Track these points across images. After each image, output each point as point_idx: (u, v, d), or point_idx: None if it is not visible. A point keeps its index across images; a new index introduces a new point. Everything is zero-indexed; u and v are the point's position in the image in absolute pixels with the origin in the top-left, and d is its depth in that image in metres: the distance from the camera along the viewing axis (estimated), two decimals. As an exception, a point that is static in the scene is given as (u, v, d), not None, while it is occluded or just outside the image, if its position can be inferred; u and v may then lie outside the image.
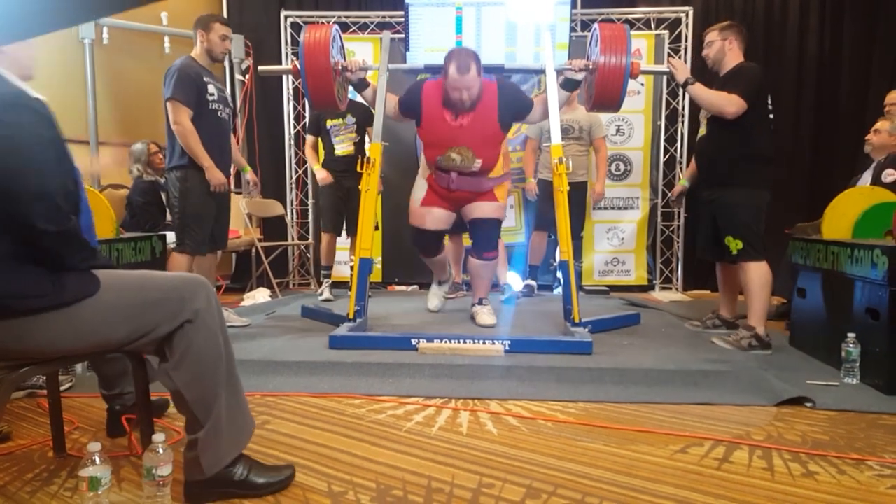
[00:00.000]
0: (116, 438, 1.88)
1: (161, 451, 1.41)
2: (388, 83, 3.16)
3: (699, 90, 2.97)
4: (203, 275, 3.31)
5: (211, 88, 3.16)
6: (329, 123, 4.18)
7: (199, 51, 3.22)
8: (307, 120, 4.37)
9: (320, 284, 4.48)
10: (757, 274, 2.87)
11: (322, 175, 4.21)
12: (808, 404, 2.19)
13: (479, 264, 3.29)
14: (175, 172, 3.15)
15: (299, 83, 5.12)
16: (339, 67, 3.10)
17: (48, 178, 1.32)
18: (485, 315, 3.24)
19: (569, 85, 3.13)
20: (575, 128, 4.25)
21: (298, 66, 3.04)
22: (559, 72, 3.14)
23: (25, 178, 1.28)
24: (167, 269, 3.21)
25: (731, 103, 2.86)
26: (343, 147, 4.19)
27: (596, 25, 3.05)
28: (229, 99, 3.35)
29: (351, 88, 3.31)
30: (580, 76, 3.09)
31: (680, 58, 4.89)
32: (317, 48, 2.99)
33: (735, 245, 2.93)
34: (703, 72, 4.91)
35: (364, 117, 4.13)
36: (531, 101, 3.17)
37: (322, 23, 4.87)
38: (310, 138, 4.33)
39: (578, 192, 4.21)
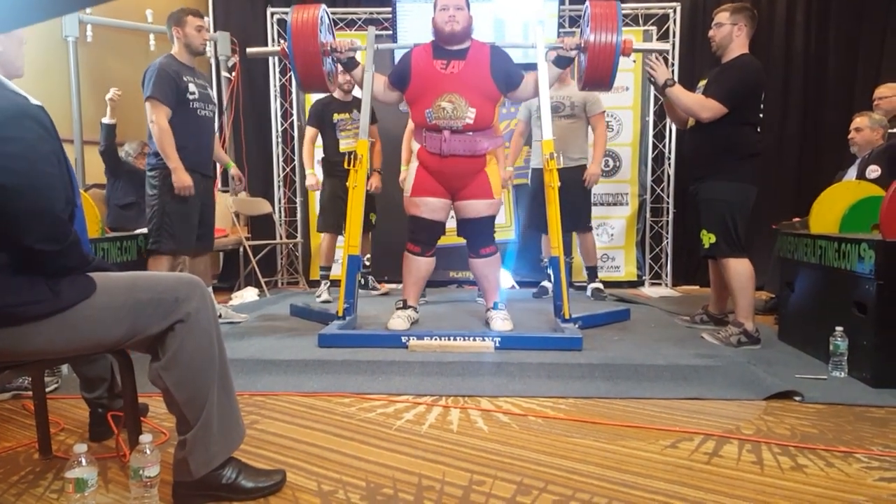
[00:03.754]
0: (102, 441, 1.85)
1: (149, 451, 1.40)
2: (377, 69, 3.14)
3: (678, 92, 2.95)
4: (197, 276, 3.35)
5: (192, 87, 3.12)
6: (336, 117, 4.13)
7: (177, 48, 3.17)
8: (308, 111, 4.27)
9: (308, 284, 4.45)
10: (737, 270, 2.86)
11: (312, 181, 4.17)
12: (797, 398, 2.20)
13: (479, 263, 3.17)
14: (154, 171, 3.10)
15: (287, 80, 5.14)
16: (329, 48, 3.07)
17: (49, 196, 1.31)
18: (499, 321, 3.04)
19: (561, 62, 3.09)
20: (566, 104, 4.05)
21: (286, 48, 3.00)
22: (551, 49, 3.09)
23: (24, 199, 1.26)
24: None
25: (705, 109, 2.86)
26: (348, 143, 4.15)
27: (588, 3, 3.00)
28: (213, 96, 3.31)
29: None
30: (572, 54, 3.05)
31: (667, 54, 4.91)
32: (305, 29, 2.94)
33: (707, 239, 2.92)
34: (691, 65, 5.00)
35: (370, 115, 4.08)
36: (522, 74, 3.10)
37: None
38: (310, 131, 4.20)
39: (575, 178, 4.01)
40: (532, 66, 3.13)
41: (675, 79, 3.05)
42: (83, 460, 1.37)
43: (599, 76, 3.01)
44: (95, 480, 1.38)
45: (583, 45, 2.99)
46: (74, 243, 1.36)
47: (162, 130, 2.99)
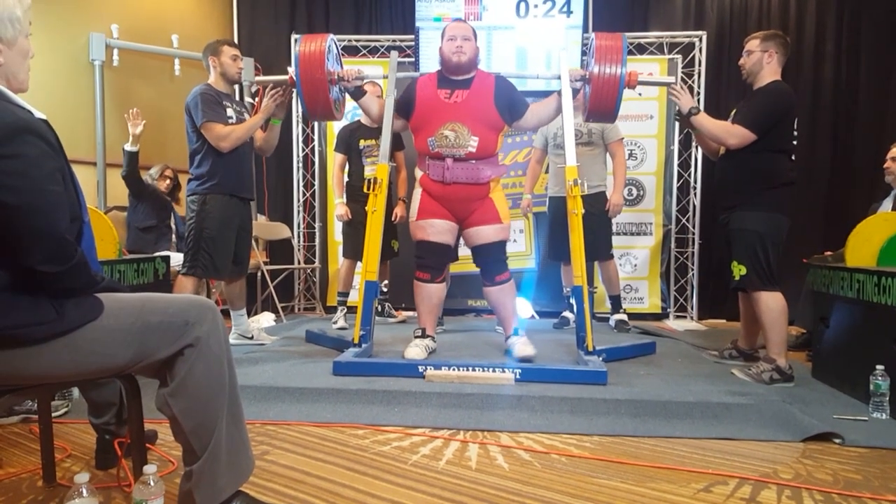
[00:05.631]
0: (108, 469, 1.79)
1: (152, 483, 1.33)
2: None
3: (703, 120, 2.90)
4: (232, 299, 3.44)
5: (230, 112, 3.23)
6: (362, 143, 4.11)
7: (214, 77, 3.30)
8: (336, 137, 4.27)
9: (325, 310, 4.39)
10: (768, 304, 2.74)
11: (341, 212, 4.14)
12: (837, 440, 2.07)
13: (494, 290, 3.11)
14: (194, 196, 3.20)
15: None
16: (336, 77, 3.08)
17: (52, 215, 1.26)
18: (521, 345, 2.98)
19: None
20: (583, 132, 3.97)
21: (294, 76, 3.03)
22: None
23: (26, 218, 1.22)
24: (173, 291, 3.19)
25: (732, 136, 2.80)
26: (373, 169, 4.12)
27: (593, 35, 3.01)
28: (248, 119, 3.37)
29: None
30: (577, 84, 3.06)
31: (693, 82, 4.85)
32: (312, 58, 2.99)
33: (738, 270, 2.82)
34: (717, 94, 4.94)
35: (394, 141, 4.07)
36: (527, 103, 3.10)
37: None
38: (338, 157, 4.18)
39: (595, 204, 3.89)
40: (544, 94, 3.12)
41: (701, 107, 2.99)
42: (84, 491, 1.31)
43: (604, 107, 3.01)
44: (96, 513, 1.32)
45: (587, 76, 2.98)
46: (80, 264, 1.30)
47: (231, 135, 3.12)
